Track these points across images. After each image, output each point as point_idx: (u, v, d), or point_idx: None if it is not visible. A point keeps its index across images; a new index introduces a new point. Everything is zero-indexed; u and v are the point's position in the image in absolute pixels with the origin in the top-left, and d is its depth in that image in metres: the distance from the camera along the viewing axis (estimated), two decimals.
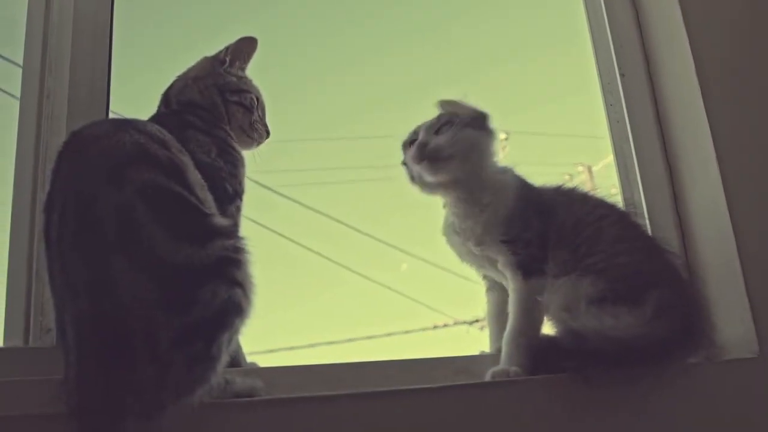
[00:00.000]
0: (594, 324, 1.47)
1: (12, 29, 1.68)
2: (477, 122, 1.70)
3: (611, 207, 1.70)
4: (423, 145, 1.63)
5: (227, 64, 1.62)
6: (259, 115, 1.64)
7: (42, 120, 1.60)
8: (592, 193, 1.73)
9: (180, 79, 1.61)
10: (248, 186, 1.55)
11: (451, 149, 1.62)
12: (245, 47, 1.65)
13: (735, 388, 1.60)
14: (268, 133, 1.67)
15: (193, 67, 1.63)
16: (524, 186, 1.69)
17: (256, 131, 1.63)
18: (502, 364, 1.49)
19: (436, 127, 1.67)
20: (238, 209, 1.48)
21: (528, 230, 1.59)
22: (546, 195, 1.70)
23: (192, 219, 1.23)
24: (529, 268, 1.56)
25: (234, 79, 1.62)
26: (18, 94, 1.63)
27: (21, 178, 1.57)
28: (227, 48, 1.64)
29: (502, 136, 2.82)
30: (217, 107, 1.57)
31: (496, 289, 1.72)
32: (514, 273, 1.57)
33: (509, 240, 1.58)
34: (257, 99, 1.64)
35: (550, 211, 1.64)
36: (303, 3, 2.39)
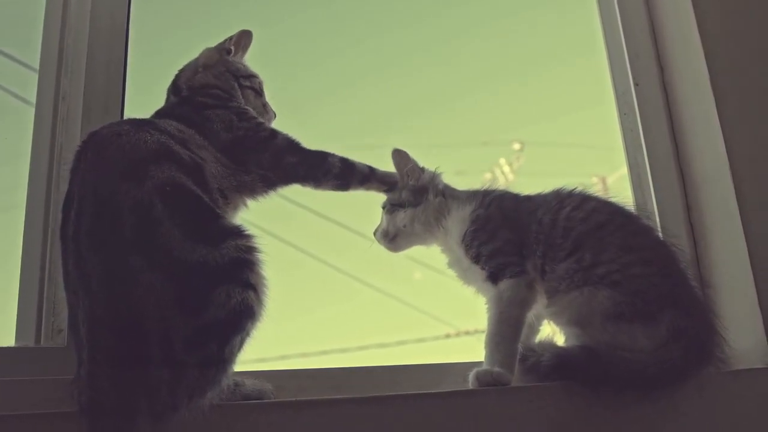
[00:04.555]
0: (608, 341, 1.46)
1: (28, 32, 1.70)
2: (414, 194, 1.73)
3: (613, 213, 1.63)
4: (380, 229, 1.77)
5: (233, 53, 1.70)
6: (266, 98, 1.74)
7: (57, 122, 1.61)
8: (596, 196, 1.66)
9: (187, 68, 1.66)
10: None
11: (393, 229, 1.73)
12: (244, 39, 1.74)
13: (747, 398, 1.58)
14: (275, 114, 1.75)
15: (198, 57, 1.68)
16: (484, 203, 1.68)
17: (267, 113, 1.71)
18: (486, 365, 1.48)
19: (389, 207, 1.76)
20: (284, 138, 1.56)
21: (489, 243, 1.60)
22: (529, 203, 1.69)
23: (205, 219, 1.24)
24: (498, 274, 1.57)
25: (241, 66, 1.70)
26: (32, 99, 1.64)
27: (35, 180, 1.58)
28: (230, 39, 1.72)
29: (516, 146, 2.82)
30: (234, 90, 1.64)
31: None
32: (485, 286, 1.60)
33: (474, 258, 1.61)
34: (262, 83, 1.73)
35: (524, 219, 1.64)
36: (327, 10, 2.40)
